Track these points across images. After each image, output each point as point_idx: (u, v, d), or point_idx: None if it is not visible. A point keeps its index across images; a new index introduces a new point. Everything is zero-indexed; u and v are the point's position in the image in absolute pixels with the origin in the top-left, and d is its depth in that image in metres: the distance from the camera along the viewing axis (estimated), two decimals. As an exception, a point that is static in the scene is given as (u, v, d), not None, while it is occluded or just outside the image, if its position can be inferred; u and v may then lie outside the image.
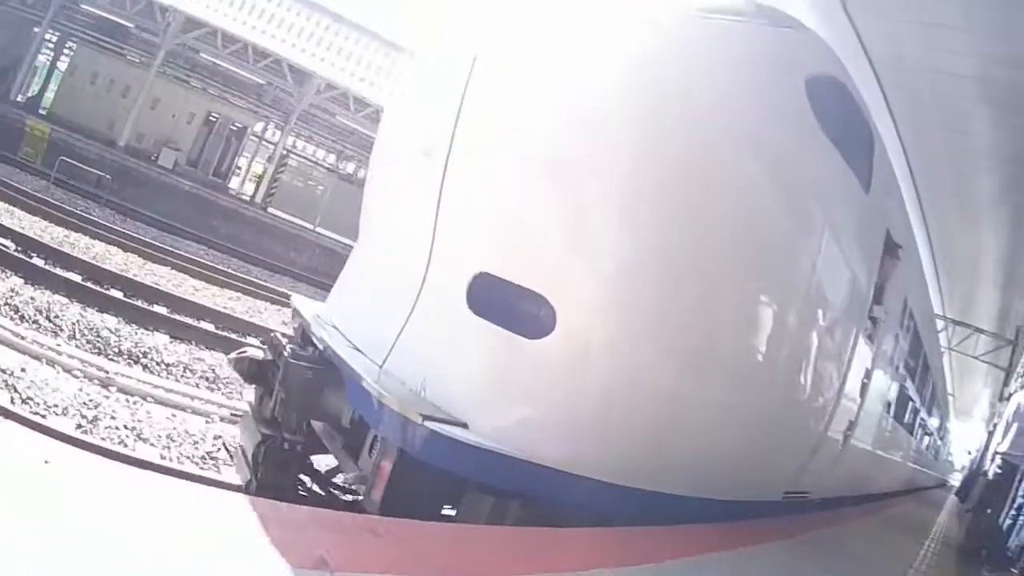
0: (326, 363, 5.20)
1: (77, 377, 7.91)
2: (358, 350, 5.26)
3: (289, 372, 5.11)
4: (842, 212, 6.08)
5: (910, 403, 12.41)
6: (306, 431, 5.42)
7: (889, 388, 9.55)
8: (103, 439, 6.79)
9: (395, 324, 5.08)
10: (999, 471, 9.86)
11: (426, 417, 4.26)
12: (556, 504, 4.77)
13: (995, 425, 16.78)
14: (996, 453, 9.93)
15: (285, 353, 5.21)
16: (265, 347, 5.71)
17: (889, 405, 10.01)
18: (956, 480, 39.87)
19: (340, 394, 5.15)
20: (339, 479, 5.97)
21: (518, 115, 4.70)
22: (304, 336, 5.75)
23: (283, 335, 5.72)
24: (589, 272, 4.63)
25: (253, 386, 5.94)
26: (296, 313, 6.18)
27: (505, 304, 4.69)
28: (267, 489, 5.22)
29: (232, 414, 8.79)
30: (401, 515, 4.10)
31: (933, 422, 18.12)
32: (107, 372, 8.28)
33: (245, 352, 5.71)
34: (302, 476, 5.72)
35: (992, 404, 32.11)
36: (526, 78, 4.73)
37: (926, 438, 17.64)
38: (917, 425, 14.68)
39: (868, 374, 7.64)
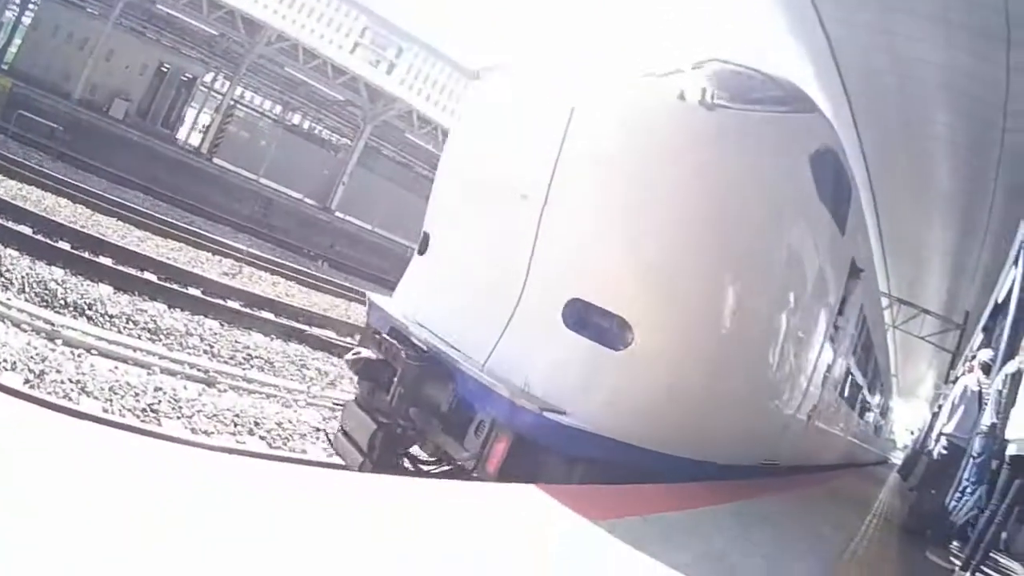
0: (429, 360, 6.29)
1: (25, 331, 7.92)
2: (456, 350, 6.37)
3: (407, 371, 6.24)
4: (825, 252, 7.70)
5: (859, 391, 14.80)
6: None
7: (842, 380, 11.40)
8: (49, 393, 6.82)
9: (490, 331, 6.28)
10: (944, 452, 9.94)
11: (543, 408, 5.53)
12: (622, 467, 6.06)
13: (940, 407, 17.30)
14: (942, 434, 10.03)
15: (403, 355, 6.29)
16: (376, 349, 6.72)
17: (842, 393, 11.95)
18: (897, 457, 40.84)
19: (441, 386, 6.25)
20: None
21: (604, 175, 5.84)
22: (394, 332, 6.80)
23: (388, 336, 6.72)
24: (662, 303, 5.97)
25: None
26: (375, 309, 7.42)
27: (593, 323, 5.92)
28: (379, 468, 6.32)
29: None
30: (509, 482, 5.23)
31: (877, 406, 20.78)
32: (53, 325, 8.30)
33: (360, 354, 6.65)
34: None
35: (937, 386, 32.75)
36: (611, 148, 5.81)
37: (871, 420, 20.17)
38: (864, 410, 17.19)
39: (828, 369, 9.45)
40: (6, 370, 6.89)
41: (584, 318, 5.96)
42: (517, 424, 5.61)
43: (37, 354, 7.43)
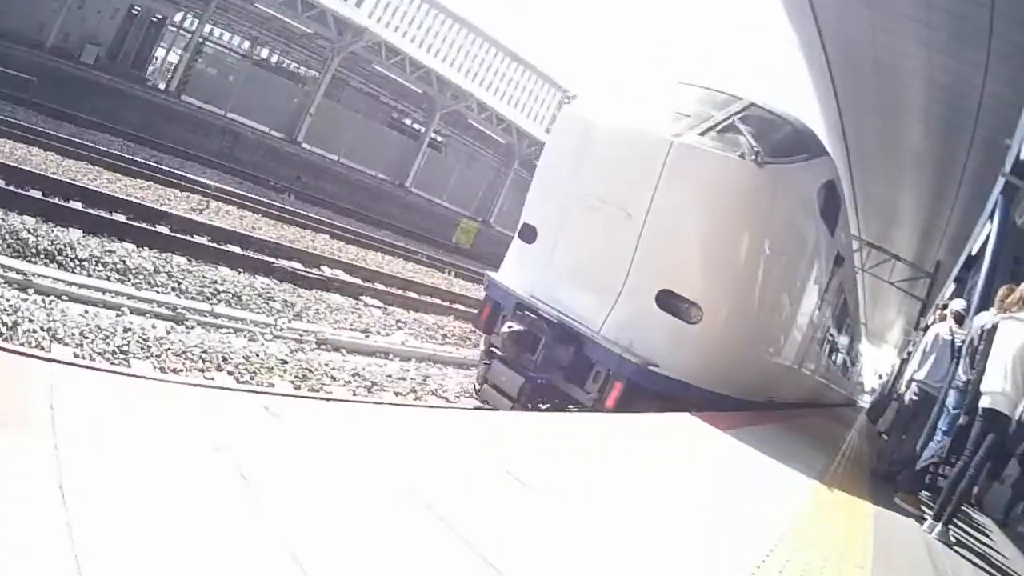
0: (559, 328, 8.98)
1: None
2: (575, 320, 9.01)
3: (549, 339, 8.93)
4: (821, 251, 10.57)
5: (834, 346, 17.95)
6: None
7: (823, 338, 14.37)
8: (22, 344, 6.76)
9: (600, 308, 8.99)
10: (915, 397, 9.91)
11: (646, 362, 8.35)
12: (688, 401, 8.61)
13: (909, 353, 17.62)
14: (913, 380, 10.01)
15: (546, 327, 8.99)
16: (518, 322, 9.18)
17: (822, 348, 14.90)
18: (864, 400, 41.73)
19: (564, 347, 8.91)
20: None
21: (687, 209, 8.53)
22: (521, 305, 9.45)
23: (533, 313, 9.31)
24: (722, 293, 8.80)
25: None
26: (494, 285, 10.17)
27: (676, 305, 8.66)
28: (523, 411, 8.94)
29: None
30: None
31: (848, 356, 24.18)
32: (25, 274, 8.22)
33: (513, 327, 9.09)
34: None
35: (907, 331, 33.71)
36: (692, 192, 8.54)
37: (842, 368, 23.20)
38: (837, 361, 20.39)
39: (813, 329, 12.32)
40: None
41: (670, 302, 8.69)
42: (628, 373, 8.39)
43: (10, 306, 7.33)
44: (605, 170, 9.19)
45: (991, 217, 11.87)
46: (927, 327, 12.34)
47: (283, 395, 8.08)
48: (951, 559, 6.78)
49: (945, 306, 10.92)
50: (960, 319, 9.87)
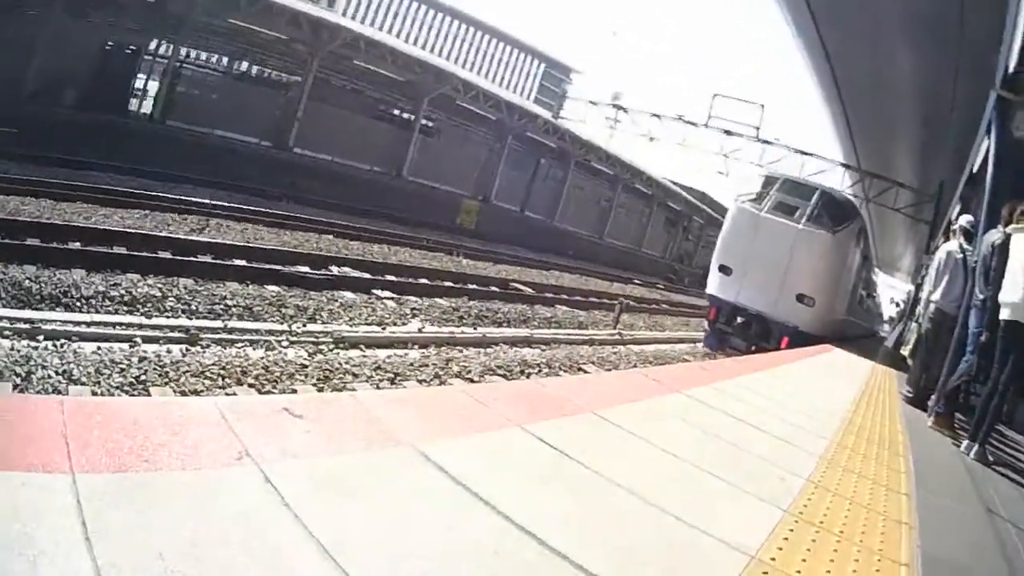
0: (757, 316, 18.19)
1: (7, 336, 7.66)
2: (761, 310, 18.09)
3: (757, 324, 18.36)
4: (858, 260, 20.11)
5: (864, 300, 26.52)
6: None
7: (860, 298, 23.77)
8: (39, 391, 6.62)
9: (770, 303, 17.87)
10: (933, 319, 9.77)
11: (795, 326, 17.58)
12: (809, 341, 17.36)
13: (923, 277, 18.12)
14: (930, 302, 9.90)
15: (752, 316, 18.53)
16: (744, 317, 18.78)
17: (860, 304, 24.55)
18: (884, 331, 43.53)
19: (759, 323, 18.34)
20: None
21: (806, 257, 17.84)
22: (735, 307, 18.65)
23: (744, 310, 19.07)
24: (821, 291, 17.84)
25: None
26: (714, 297, 19.26)
27: (804, 298, 17.48)
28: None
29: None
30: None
31: (872, 303, 33.29)
32: (33, 323, 8.07)
33: (741, 320, 18.95)
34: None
35: (918, 256, 34.34)
36: (807, 249, 17.69)
37: (869, 311, 31.49)
38: (867, 307, 29.38)
39: (855, 296, 21.77)
40: (-5, 382, 6.68)
41: (801, 297, 17.31)
42: (788, 332, 17.38)
43: (22, 356, 7.18)
44: (768, 239, 17.77)
45: (988, 134, 11.88)
46: (937, 248, 12.20)
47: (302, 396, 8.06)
48: (991, 479, 6.70)
49: (951, 224, 10.76)
50: (968, 234, 9.73)
